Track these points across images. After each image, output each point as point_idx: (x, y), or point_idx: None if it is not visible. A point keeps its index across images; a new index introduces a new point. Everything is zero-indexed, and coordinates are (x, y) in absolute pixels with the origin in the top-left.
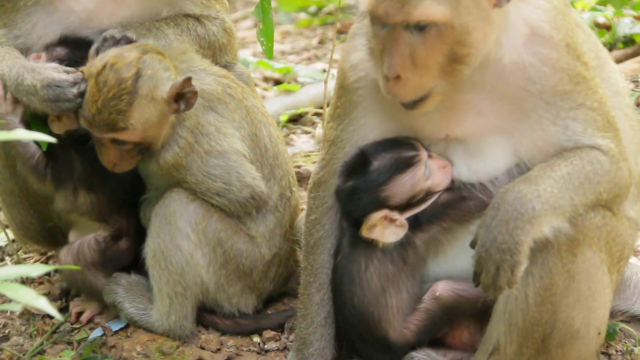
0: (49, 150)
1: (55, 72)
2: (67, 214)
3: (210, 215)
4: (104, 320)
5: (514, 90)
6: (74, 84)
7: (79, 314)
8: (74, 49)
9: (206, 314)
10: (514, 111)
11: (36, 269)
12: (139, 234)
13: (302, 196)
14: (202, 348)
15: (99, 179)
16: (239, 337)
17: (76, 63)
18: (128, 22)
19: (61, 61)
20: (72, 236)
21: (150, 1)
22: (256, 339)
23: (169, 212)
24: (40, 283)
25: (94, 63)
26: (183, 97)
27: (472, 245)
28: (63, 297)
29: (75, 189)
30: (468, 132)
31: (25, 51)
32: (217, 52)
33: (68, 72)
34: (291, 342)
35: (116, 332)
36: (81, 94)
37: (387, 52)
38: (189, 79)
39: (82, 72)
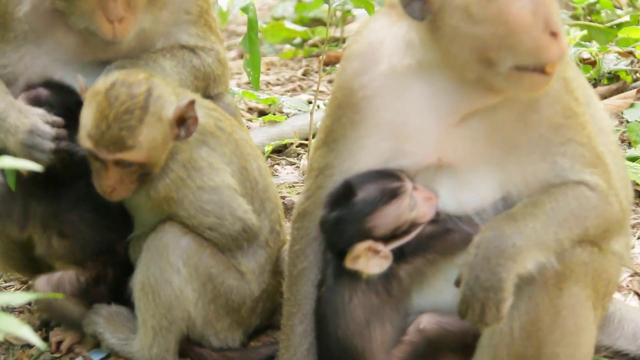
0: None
1: (41, 120)
2: (47, 259)
3: (202, 250)
4: (85, 350)
5: (512, 118)
6: (55, 139)
7: (59, 343)
8: (55, 92)
9: (194, 346)
10: (507, 142)
11: (18, 297)
12: (119, 281)
13: (288, 227)
14: None
15: (68, 224)
16: None
17: (52, 107)
18: (125, 55)
19: (42, 104)
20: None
21: (146, 32)
22: None
23: (162, 245)
24: (21, 312)
25: (97, 85)
26: (184, 122)
27: (457, 284)
28: (43, 328)
29: (48, 234)
30: (460, 158)
31: (12, 81)
32: (211, 84)
33: (53, 124)
34: None
35: None
36: (57, 151)
37: (541, 12)
38: (192, 102)
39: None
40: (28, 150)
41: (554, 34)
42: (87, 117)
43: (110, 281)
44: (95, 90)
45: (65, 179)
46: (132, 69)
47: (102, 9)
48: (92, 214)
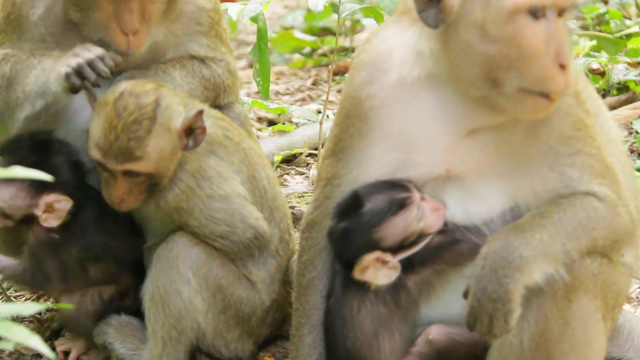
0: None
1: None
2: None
3: (212, 260)
4: None
5: (523, 131)
6: (102, 59)
7: (65, 353)
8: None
9: (203, 358)
10: (517, 154)
11: (28, 308)
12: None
13: (296, 236)
14: None
15: (99, 245)
16: None
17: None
18: (136, 65)
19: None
20: None
21: (158, 44)
22: None
23: (172, 255)
24: (31, 322)
25: (105, 96)
26: (192, 133)
27: (465, 295)
28: (53, 338)
29: (83, 267)
30: (469, 170)
31: None
32: (221, 94)
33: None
34: None
35: None
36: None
37: (554, 42)
38: (201, 112)
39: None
40: (79, 72)
41: (562, 66)
42: (96, 128)
43: (138, 291)
44: (103, 101)
45: (78, 203)
46: (140, 79)
47: (117, 21)
48: (116, 224)
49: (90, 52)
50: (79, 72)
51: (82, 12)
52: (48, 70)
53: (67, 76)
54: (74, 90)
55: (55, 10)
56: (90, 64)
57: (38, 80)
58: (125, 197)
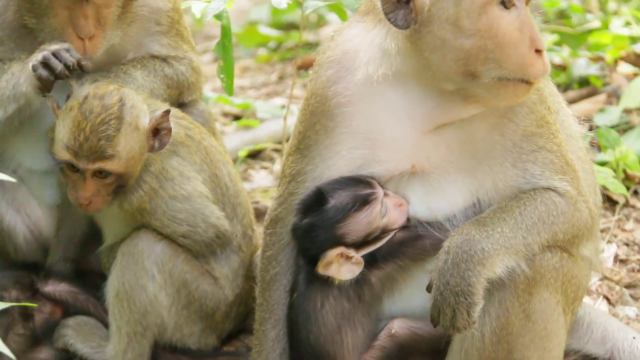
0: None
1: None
2: None
3: (177, 255)
4: None
5: (487, 127)
6: (68, 51)
7: None
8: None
9: (168, 353)
10: (481, 150)
11: None
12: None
13: (259, 232)
14: None
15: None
16: None
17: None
18: (95, 68)
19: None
20: None
21: (116, 46)
22: None
23: (137, 251)
24: None
25: (70, 102)
26: (159, 133)
27: (428, 289)
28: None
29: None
30: (434, 166)
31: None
32: (185, 91)
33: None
34: None
35: None
36: (79, 64)
37: (527, 29)
38: (167, 112)
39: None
40: (47, 71)
41: (538, 51)
42: (64, 132)
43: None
44: (68, 107)
45: None
46: (102, 82)
47: (72, 27)
48: None
49: (56, 45)
50: (45, 63)
51: (37, 18)
52: (17, 72)
53: (34, 68)
54: (44, 85)
55: (6, 15)
56: (56, 54)
57: (9, 84)
58: (93, 199)
